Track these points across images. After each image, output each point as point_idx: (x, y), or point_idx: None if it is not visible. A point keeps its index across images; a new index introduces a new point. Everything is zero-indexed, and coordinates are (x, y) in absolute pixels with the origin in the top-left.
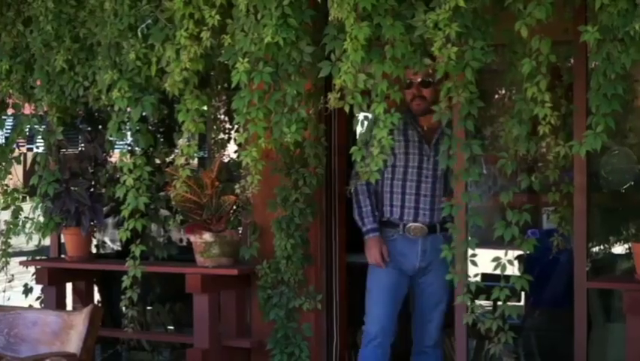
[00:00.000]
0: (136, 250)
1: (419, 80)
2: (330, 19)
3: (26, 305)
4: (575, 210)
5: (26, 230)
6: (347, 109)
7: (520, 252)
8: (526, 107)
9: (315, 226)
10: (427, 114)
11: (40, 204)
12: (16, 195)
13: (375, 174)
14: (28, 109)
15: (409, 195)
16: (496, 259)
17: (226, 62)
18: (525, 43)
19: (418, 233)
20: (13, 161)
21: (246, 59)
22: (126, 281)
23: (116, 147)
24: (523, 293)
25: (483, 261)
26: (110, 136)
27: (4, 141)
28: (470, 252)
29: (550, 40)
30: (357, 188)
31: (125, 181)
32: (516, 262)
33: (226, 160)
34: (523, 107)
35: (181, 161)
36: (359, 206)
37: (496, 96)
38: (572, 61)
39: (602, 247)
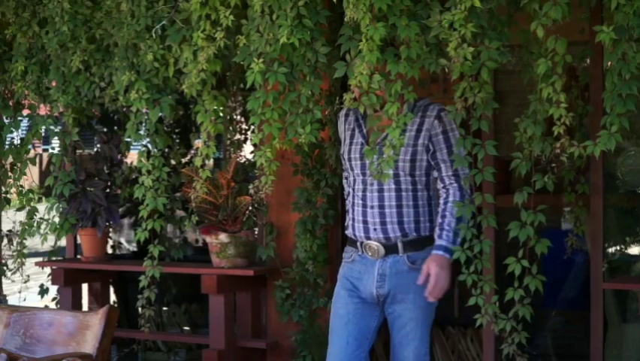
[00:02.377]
0: (154, 250)
1: None
2: (345, 19)
3: (42, 306)
4: (591, 211)
5: (41, 231)
6: (362, 110)
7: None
8: (541, 107)
9: (333, 226)
10: (377, 112)
11: (56, 205)
12: (31, 195)
13: (386, 175)
14: (43, 110)
15: (357, 207)
16: (510, 259)
17: (241, 63)
18: (541, 44)
19: (374, 254)
20: (29, 162)
21: (261, 60)
22: (144, 281)
23: (131, 147)
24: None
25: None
26: (128, 137)
27: (19, 141)
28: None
29: (566, 40)
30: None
31: (143, 182)
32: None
33: (242, 161)
34: (538, 108)
35: (199, 162)
36: None
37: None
38: (588, 61)
39: (617, 247)
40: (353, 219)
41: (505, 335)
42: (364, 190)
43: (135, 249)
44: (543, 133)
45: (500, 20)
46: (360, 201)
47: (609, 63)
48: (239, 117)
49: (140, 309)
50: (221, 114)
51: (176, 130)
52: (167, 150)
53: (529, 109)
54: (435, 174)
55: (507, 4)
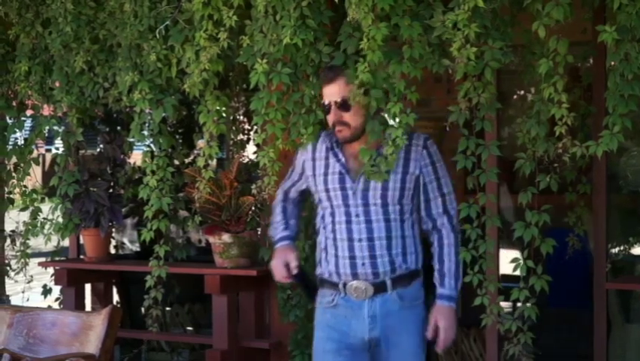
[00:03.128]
0: (160, 250)
1: (336, 100)
2: (347, 19)
3: (45, 306)
4: (594, 211)
5: (45, 231)
6: (375, 104)
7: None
8: (544, 107)
9: None
10: (353, 141)
11: (60, 205)
12: (35, 196)
13: (384, 175)
14: (47, 110)
15: (340, 243)
16: (516, 260)
17: (245, 63)
18: (543, 44)
19: (361, 295)
20: (32, 162)
21: (265, 60)
22: (150, 281)
23: (134, 147)
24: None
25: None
26: (132, 138)
27: (22, 142)
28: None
29: (568, 40)
30: (273, 204)
31: (147, 182)
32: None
33: (245, 161)
34: (541, 108)
35: (202, 162)
36: (271, 223)
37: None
38: (591, 61)
39: (621, 247)
40: (336, 256)
41: (510, 336)
42: (348, 222)
43: (138, 249)
44: (546, 133)
45: (503, 20)
46: (345, 235)
47: (612, 63)
48: (241, 117)
49: (143, 309)
50: (223, 114)
51: (180, 130)
52: (170, 150)
53: (533, 109)
54: (422, 211)
55: (510, 5)
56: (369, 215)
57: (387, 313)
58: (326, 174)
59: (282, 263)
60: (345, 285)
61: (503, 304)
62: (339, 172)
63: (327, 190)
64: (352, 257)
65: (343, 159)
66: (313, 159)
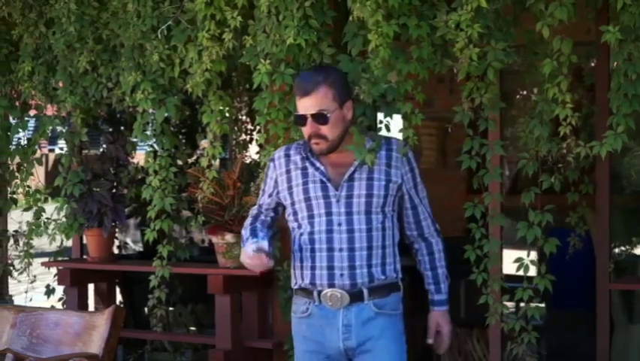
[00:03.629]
0: (163, 250)
1: (313, 113)
2: (350, 19)
3: (48, 306)
4: (597, 212)
5: (49, 231)
6: (370, 101)
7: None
8: (548, 107)
9: None
10: (330, 153)
11: (66, 206)
12: (38, 196)
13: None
14: (50, 110)
15: (318, 253)
16: (519, 260)
17: (248, 64)
18: (546, 44)
19: (336, 303)
20: (35, 162)
21: (268, 61)
22: (154, 281)
23: (138, 148)
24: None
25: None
26: (135, 138)
27: (26, 142)
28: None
29: (572, 40)
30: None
31: (150, 182)
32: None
33: (248, 161)
34: (544, 108)
35: (205, 162)
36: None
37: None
38: (594, 61)
39: (624, 248)
40: (312, 267)
41: (514, 335)
42: (330, 231)
43: (141, 249)
44: (550, 134)
45: (506, 21)
46: (325, 245)
47: (615, 63)
48: (244, 118)
49: (146, 309)
50: (227, 115)
51: (183, 130)
52: (173, 150)
53: (536, 109)
54: (408, 218)
55: (513, 5)
56: (352, 224)
57: (362, 322)
58: (305, 183)
59: (257, 250)
60: (319, 293)
61: (509, 304)
62: (321, 180)
63: (307, 199)
64: (331, 267)
65: (322, 167)
66: (287, 172)
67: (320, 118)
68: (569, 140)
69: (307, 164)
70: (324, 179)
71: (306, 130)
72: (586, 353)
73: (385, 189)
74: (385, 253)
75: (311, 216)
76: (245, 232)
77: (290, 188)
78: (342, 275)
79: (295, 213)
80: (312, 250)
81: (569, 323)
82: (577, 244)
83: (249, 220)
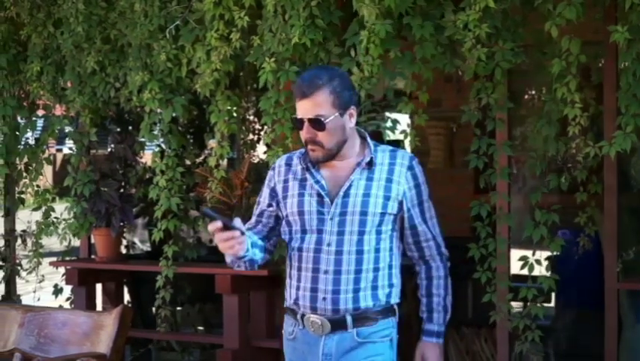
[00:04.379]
0: (169, 250)
1: (310, 118)
2: (356, 19)
3: (56, 306)
4: (605, 211)
5: (59, 231)
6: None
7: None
8: (556, 107)
9: None
10: (327, 161)
11: (77, 205)
12: (47, 196)
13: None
14: (58, 110)
15: (304, 272)
16: (524, 258)
17: (254, 63)
18: (555, 44)
19: (317, 330)
20: (44, 162)
21: (273, 59)
22: (159, 281)
23: (146, 147)
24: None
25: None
26: (142, 137)
27: (34, 142)
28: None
29: (580, 40)
30: None
31: (157, 182)
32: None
33: (255, 161)
34: (552, 108)
35: (213, 162)
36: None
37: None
38: (603, 61)
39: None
40: (298, 287)
41: (518, 333)
42: (318, 251)
43: (149, 249)
44: (557, 133)
45: (514, 21)
46: (311, 265)
47: (624, 63)
48: (252, 117)
49: (154, 309)
50: (234, 114)
51: (191, 130)
52: (181, 150)
53: (543, 109)
54: (408, 238)
55: (521, 5)
56: (342, 245)
57: (344, 351)
58: (301, 195)
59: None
60: (303, 317)
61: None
62: (318, 194)
63: (300, 213)
64: (314, 289)
65: (322, 181)
66: (285, 181)
67: (317, 124)
68: (577, 140)
69: (307, 175)
70: (322, 192)
71: (303, 135)
72: (594, 353)
73: (383, 207)
74: (378, 275)
75: (303, 232)
76: None
77: (285, 198)
78: (324, 299)
79: (289, 226)
80: (299, 269)
81: (578, 322)
82: (586, 244)
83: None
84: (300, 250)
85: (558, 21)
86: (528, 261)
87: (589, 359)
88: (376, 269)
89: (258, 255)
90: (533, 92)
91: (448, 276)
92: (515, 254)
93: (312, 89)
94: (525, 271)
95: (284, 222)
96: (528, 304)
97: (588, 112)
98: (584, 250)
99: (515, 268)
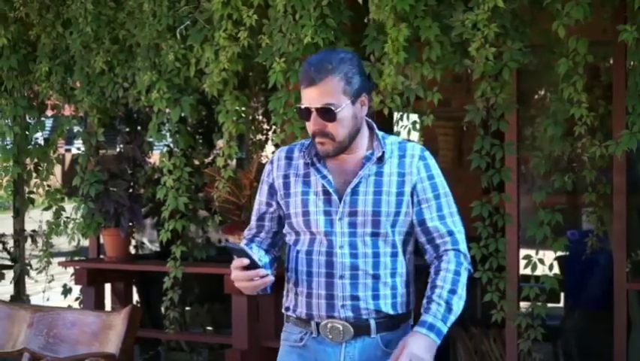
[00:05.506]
0: (176, 250)
1: (318, 107)
2: (365, 20)
3: (65, 306)
4: (614, 211)
5: (68, 231)
6: (386, 111)
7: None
8: (562, 107)
9: None
10: (338, 155)
11: (83, 205)
12: (57, 195)
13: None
14: (68, 110)
15: (315, 278)
16: (527, 257)
17: (264, 63)
18: (562, 44)
19: (338, 336)
20: (54, 161)
21: (283, 59)
22: (167, 282)
23: (155, 147)
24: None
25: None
26: (150, 137)
27: (43, 142)
28: None
29: (588, 40)
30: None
31: (165, 182)
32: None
33: (264, 161)
34: (559, 108)
35: (222, 162)
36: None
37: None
38: (611, 61)
39: None
40: (309, 294)
41: (521, 332)
42: (330, 255)
43: (158, 249)
44: (563, 133)
45: (523, 21)
46: (324, 270)
47: (632, 63)
48: (260, 117)
49: (163, 309)
50: (243, 114)
51: (199, 130)
52: (190, 150)
53: (550, 109)
54: (421, 237)
55: (530, 5)
56: (356, 248)
57: (368, 359)
58: (306, 194)
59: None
60: (318, 324)
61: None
62: (324, 191)
63: (305, 214)
64: (330, 296)
65: (329, 176)
66: (286, 177)
67: (326, 113)
68: (584, 139)
69: (311, 170)
70: (329, 190)
71: (310, 126)
72: (603, 353)
73: (397, 205)
74: (396, 282)
75: (311, 234)
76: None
77: (287, 196)
78: (343, 306)
79: (293, 227)
80: (309, 274)
81: (587, 323)
82: (594, 244)
83: (242, 243)
84: (309, 253)
85: (566, 21)
86: (532, 260)
87: (598, 359)
88: (393, 274)
89: (271, 276)
90: (541, 92)
91: (460, 274)
92: (522, 254)
93: (321, 75)
94: (529, 271)
95: (286, 224)
96: (533, 303)
97: (597, 112)
98: (593, 250)
99: (520, 267)
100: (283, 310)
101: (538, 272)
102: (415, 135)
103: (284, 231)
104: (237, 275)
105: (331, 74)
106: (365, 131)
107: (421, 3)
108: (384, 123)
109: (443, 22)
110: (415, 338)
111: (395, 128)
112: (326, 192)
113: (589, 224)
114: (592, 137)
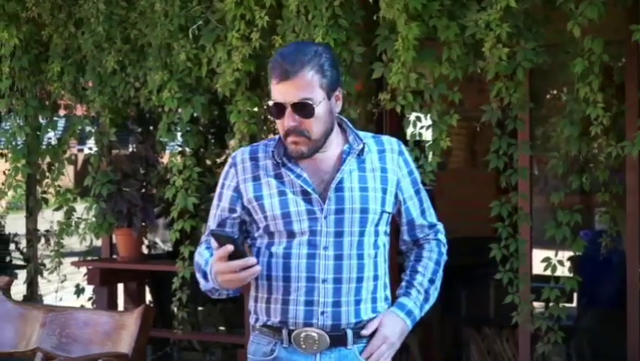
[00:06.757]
0: (185, 250)
1: (294, 102)
2: (374, 17)
3: (78, 306)
4: (627, 212)
5: (80, 231)
6: (398, 110)
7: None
8: (578, 107)
9: None
10: (312, 155)
11: (95, 205)
12: (68, 195)
13: (429, 175)
14: (80, 110)
15: (294, 283)
16: (547, 259)
17: None
18: (577, 43)
19: (311, 346)
20: (66, 161)
21: None
22: (176, 283)
23: (167, 147)
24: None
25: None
26: (161, 137)
27: (56, 142)
28: None
29: (603, 40)
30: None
31: (174, 182)
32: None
33: None
34: (574, 108)
35: None
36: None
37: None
38: (624, 61)
39: None
40: (285, 301)
41: (541, 335)
42: (312, 257)
43: (170, 249)
44: (580, 133)
45: (536, 20)
46: (304, 274)
47: None
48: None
49: (175, 309)
50: (254, 115)
51: (212, 130)
52: (202, 150)
53: (565, 109)
54: (404, 234)
55: (543, 4)
56: (341, 248)
57: None
58: (283, 194)
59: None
60: (290, 333)
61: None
62: (302, 191)
63: (286, 215)
64: (309, 303)
65: (304, 174)
66: (255, 179)
67: (303, 109)
68: (600, 139)
69: (283, 170)
70: (307, 189)
71: (283, 124)
72: (616, 353)
73: (382, 203)
74: (377, 285)
75: (290, 235)
76: (199, 259)
77: (260, 199)
78: (323, 313)
79: (267, 231)
80: (287, 279)
81: (600, 322)
82: (608, 245)
83: (202, 247)
84: (286, 256)
85: (580, 20)
86: (551, 262)
87: (611, 359)
88: (376, 277)
89: (258, 266)
90: (555, 92)
91: (440, 265)
92: (538, 255)
93: (296, 68)
94: (548, 272)
95: (259, 228)
96: (550, 305)
97: (611, 112)
98: (607, 249)
99: (538, 268)
100: (250, 321)
101: (555, 273)
102: (428, 135)
103: (255, 235)
104: (220, 268)
105: (307, 67)
106: (336, 128)
107: (436, 2)
108: (394, 122)
109: (458, 21)
110: (391, 319)
111: (411, 130)
112: (304, 192)
113: (601, 224)
114: (606, 137)
